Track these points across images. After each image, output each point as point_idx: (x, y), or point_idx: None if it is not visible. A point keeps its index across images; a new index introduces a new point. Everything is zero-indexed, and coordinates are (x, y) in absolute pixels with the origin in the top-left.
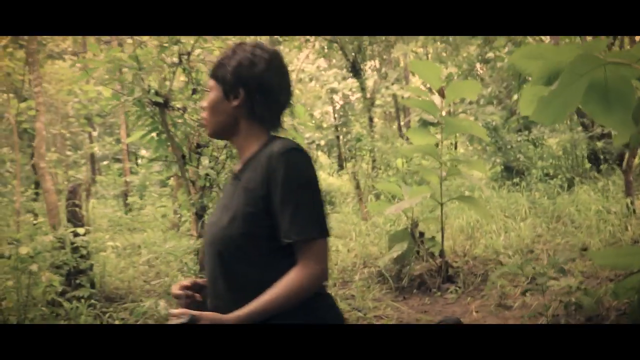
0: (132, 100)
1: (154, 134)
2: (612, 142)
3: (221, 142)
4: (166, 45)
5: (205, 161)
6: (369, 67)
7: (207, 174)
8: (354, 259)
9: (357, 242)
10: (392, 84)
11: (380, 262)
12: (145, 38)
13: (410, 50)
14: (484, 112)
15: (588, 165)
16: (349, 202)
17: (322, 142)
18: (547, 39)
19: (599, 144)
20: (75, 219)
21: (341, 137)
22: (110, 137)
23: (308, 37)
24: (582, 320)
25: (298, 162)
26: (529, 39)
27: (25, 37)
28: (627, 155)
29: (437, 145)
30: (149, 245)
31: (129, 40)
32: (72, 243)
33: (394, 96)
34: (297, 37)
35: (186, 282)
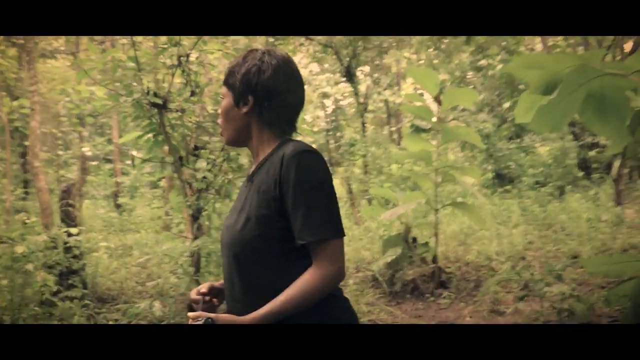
0: (131, 102)
1: (150, 135)
2: (602, 151)
3: (218, 145)
4: (165, 46)
5: (202, 163)
6: (361, 72)
7: (204, 177)
8: (347, 263)
9: (350, 246)
10: (385, 89)
11: (375, 266)
12: (139, 38)
13: (403, 56)
14: (476, 119)
15: (580, 174)
16: (340, 206)
17: (314, 146)
18: (539, 44)
19: (591, 153)
20: (69, 218)
21: (332, 141)
22: (102, 138)
23: (302, 41)
24: None
25: (310, 163)
26: (522, 47)
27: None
28: (617, 164)
29: (434, 150)
30: (141, 247)
31: (122, 40)
32: (65, 243)
33: (386, 102)
34: (291, 41)
35: (203, 287)
